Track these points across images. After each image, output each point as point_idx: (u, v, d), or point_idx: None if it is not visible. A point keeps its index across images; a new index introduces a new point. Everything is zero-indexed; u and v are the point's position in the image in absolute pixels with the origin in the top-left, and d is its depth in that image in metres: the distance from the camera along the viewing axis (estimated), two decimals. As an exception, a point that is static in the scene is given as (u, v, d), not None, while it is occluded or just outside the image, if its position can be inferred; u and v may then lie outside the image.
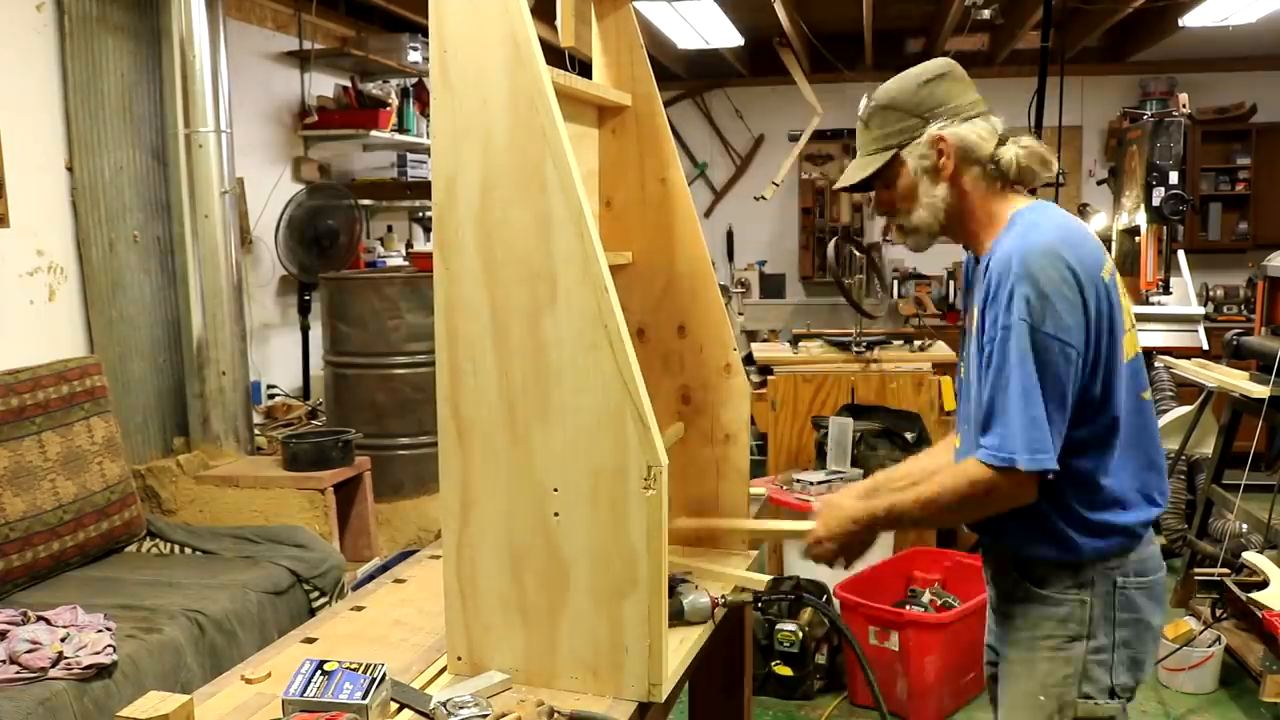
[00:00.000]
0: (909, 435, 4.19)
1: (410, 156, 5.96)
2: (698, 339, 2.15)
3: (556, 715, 1.53)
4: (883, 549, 3.97)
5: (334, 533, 3.81)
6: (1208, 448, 4.28)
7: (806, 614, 3.61)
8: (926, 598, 3.68)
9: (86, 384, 3.31)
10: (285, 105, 5.18)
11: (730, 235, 8.26)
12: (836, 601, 3.62)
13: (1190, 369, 4.26)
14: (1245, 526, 4.07)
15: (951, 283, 7.68)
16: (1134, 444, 1.72)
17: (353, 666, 1.55)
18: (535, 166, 1.56)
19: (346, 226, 4.89)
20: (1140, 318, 5.08)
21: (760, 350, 5.15)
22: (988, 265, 1.68)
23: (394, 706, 1.59)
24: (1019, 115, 4.09)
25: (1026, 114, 4.03)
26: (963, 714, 3.48)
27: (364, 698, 1.49)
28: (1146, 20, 6.53)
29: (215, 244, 3.96)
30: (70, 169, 3.72)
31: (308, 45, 5.19)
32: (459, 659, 1.71)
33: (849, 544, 1.83)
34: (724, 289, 6.71)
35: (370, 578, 3.28)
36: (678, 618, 1.81)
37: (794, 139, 7.63)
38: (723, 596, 1.87)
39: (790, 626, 3.54)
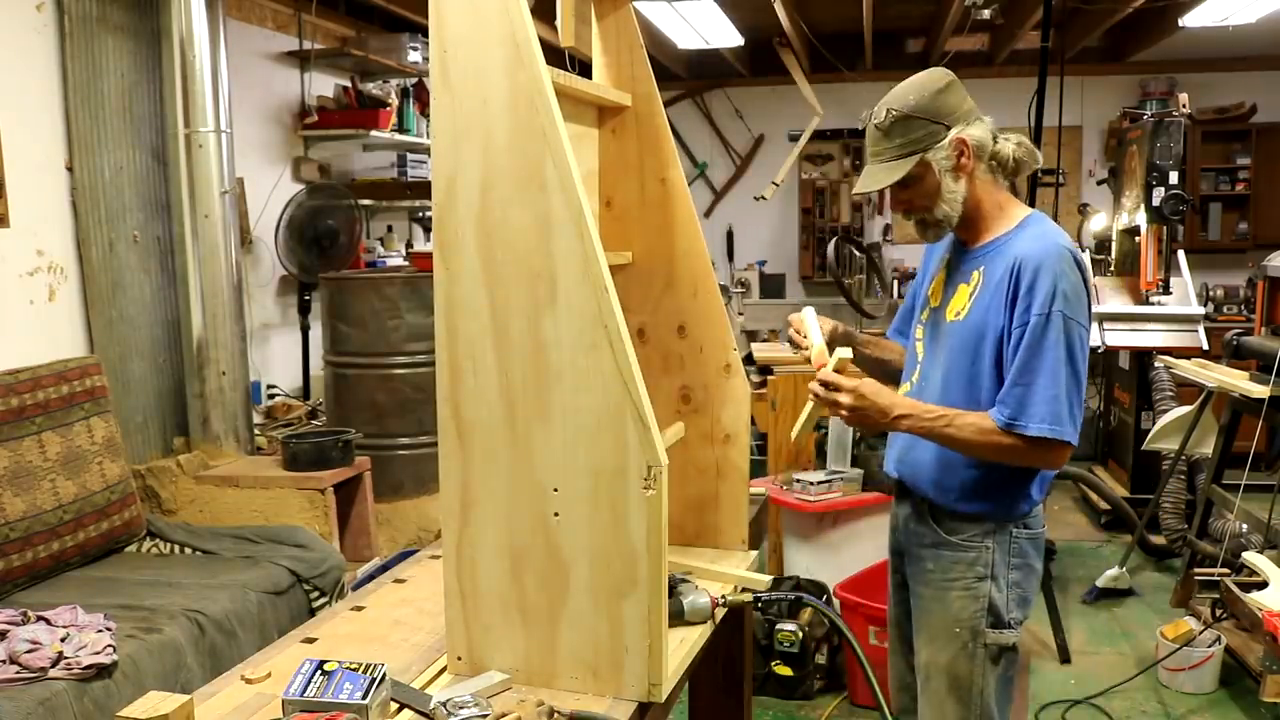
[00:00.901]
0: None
1: (410, 156, 5.96)
2: (698, 339, 2.15)
3: (556, 715, 1.53)
4: (883, 549, 3.97)
5: (334, 533, 3.81)
6: (1208, 448, 4.28)
7: (806, 614, 3.61)
8: (926, 598, 3.67)
9: (86, 384, 3.31)
10: (285, 105, 5.18)
11: (730, 235, 8.26)
12: (836, 601, 3.62)
13: (1190, 369, 4.26)
14: (1245, 526, 4.07)
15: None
16: None
17: (353, 666, 1.55)
18: (535, 166, 1.56)
19: (346, 226, 4.89)
20: (1140, 318, 5.10)
21: (760, 350, 5.14)
22: (1005, 266, 1.88)
23: (394, 706, 1.59)
24: (1019, 115, 4.08)
25: (1026, 114, 4.02)
26: (963, 714, 3.47)
27: (364, 698, 1.49)
28: (1146, 20, 6.53)
29: (215, 244, 3.96)
30: (70, 169, 3.72)
31: (308, 45, 5.19)
32: (459, 659, 1.71)
33: (864, 418, 1.94)
34: (724, 289, 6.71)
35: (370, 578, 3.28)
36: (678, 618, 1.82)
37: (794, 139, 7.63)
38: (723, 596, 1.88)
39: (790, 626, 3.54)
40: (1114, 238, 5.58)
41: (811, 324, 2.08)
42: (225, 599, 2.94)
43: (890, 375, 2.24)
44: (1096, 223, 5.92)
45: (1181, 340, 5.01)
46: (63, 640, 2.49)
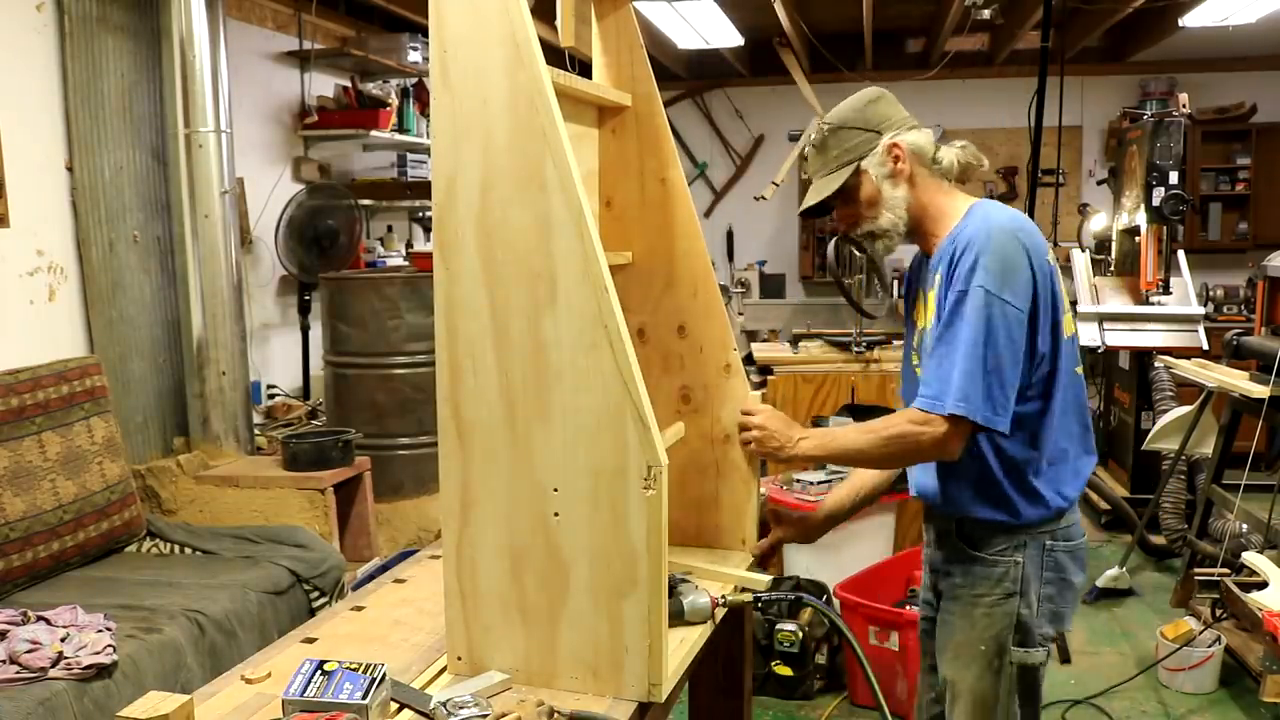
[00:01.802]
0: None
1: (410, 156, 5.96)
2: (698, 339, 2.15)
3: (556, 715, 1.53)
4: (883, 549, 3.97)
5: (334, 533, 3.81)
6: (1208, 448, 4.28)
7: (806, 614, 3.61)
8: (926, 598, 3.67)
9: (86, 384, 3.31)
10: (285, 105, 5.18)
11: (730, 235, 8.26)
12: (836, 601, 3.62)
13: (1190, 369, 4.26)
14: (1245, 526, 4.07)
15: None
16: (1070, 414, 1.91)
17: (353, 666, 1.55)
18: (535, 166, 1.56)
19: (346, 226, 4.89)
20: (1140, 318, 5.10)
21: (760, 350, 5.14)
22: (947, 254, 1.84)
23: (394, 706, 1.59)
24: (1019, 115, 4.09)
25: (1026, 114, 4.02)
26: (963, 714, 3.48)
27: (364, 698, 1.49)
28: (1146, 20, 6.53)
29: (215, 244, 3.96)
30: (70, 169, 3.72)
31: (308, 45, 5.19)
32: (459, 659, 1.71)
33: (772, 443, 1.99)
34: (724, 289, 6.71)
35: (370, 578, 3.28)
36: (677, 618, 1.82)
37: (794, 139, 7.63)
38: (723, 596, 1.87)
39: (790, 626, 3.54)
40: (1114, 238, 5.57)
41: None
42: (225, 599, 2.94)
43: (888, 488, 2.26)
44: (1096, 223, 5.92)
45: (1181, 340, 5.01)
46: (63, 640, 2.49)
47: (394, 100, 5.59)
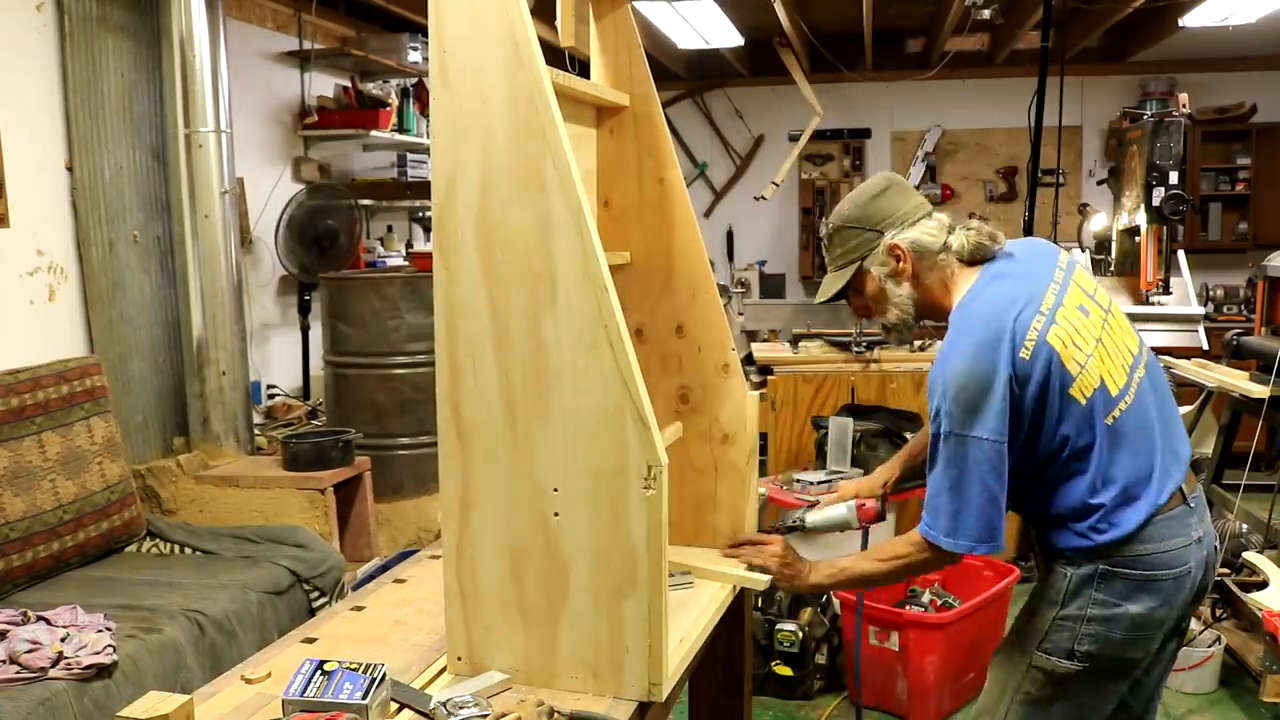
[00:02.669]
0: (909, 435, 4.18)
1: (410, 156, 5.96)
2: (696, 339, 2.15)
3: (556, 715, 1.53)
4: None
5: (334, 533, 3.81)
6: (1208, 448, 4.28)
7: (806, 614, 3.61)
8: (926, 598, 3.68)
9: (86, 384, 3.31)
10: (285, 105, 5.18)
11: (730, 235, 8.26)
12: (836, 601, 3.63)
13: (1190, 369, 4.26)
14: (1245, 526, 4.06)
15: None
16: (1117, 454, 1.87)
17: (353, 666, 1.55)
18: (535, 166, 1.56)
19: (346, 226, 4.89)
20: (1140, 318, 5.09)
21: (760, 350, 5.15)
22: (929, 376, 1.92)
23: (394, 706, 1.59)
24: (1019, 115, 4.09)
25: (1026, 114, 4.02)
26: (962, 714, 3.48)
27: (364, 698, 1.49)
28: (1146, 20, 6.53)
29: (215, 244, 3.96)
30: (70, 169, 3.72)
31: (308, 45, 5.19)
32: (459, 659, 1.71)
33: (787, 570, 2.08)
34: (724, 289, 6.72)
35: (370, 578, 3.28)
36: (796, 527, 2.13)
37: (794, 139, 7.63)
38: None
39: (790, 626, 3.54)
40: (1114, 238, 5.57)
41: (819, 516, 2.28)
42: (225, 599, 2.94)
43: None
44: (1096, 223, 5.91)
45: (1181, 340, 5.00)
46: (63, 640, 2.49)
47: (394, 100, 5.58)
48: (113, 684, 2.46)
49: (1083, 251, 5.60)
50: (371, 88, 5.50)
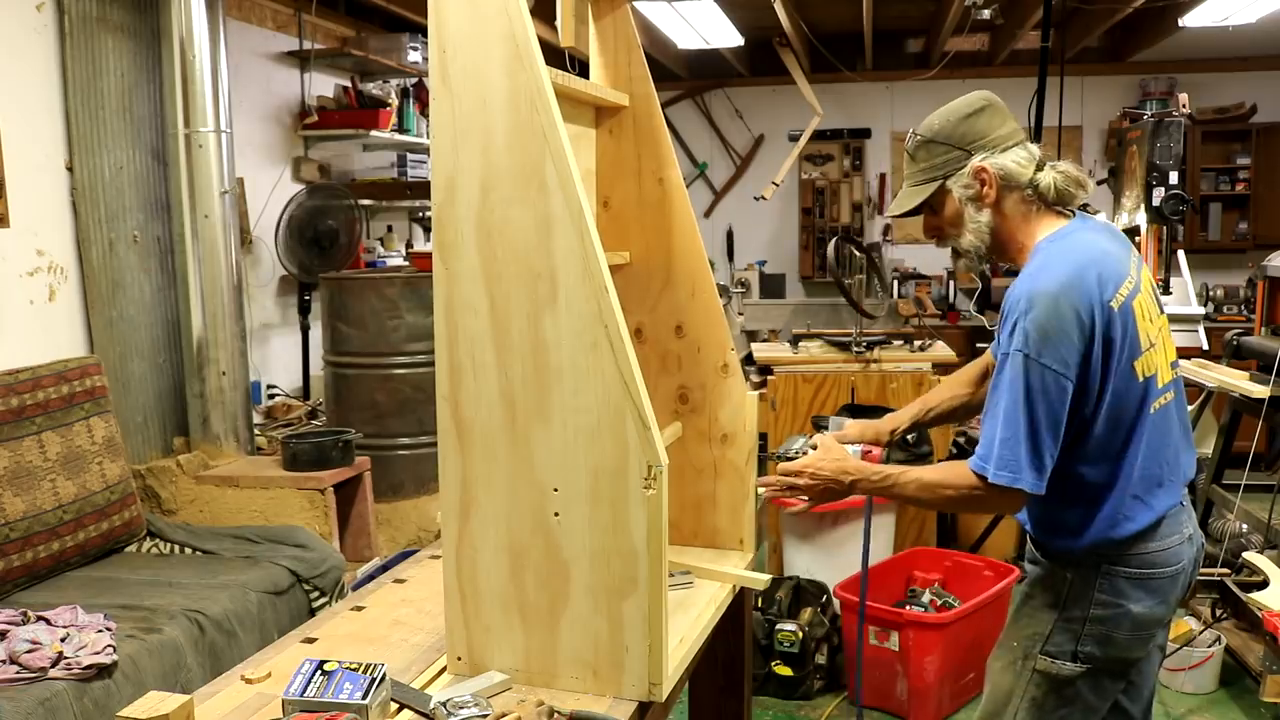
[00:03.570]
0: (909, 435, 4.18)
1: (410, 156, 5.96)
2: (695, 339, 2.15)
3: (556, 715, 1.53)
4: (883, 549, 3.97)
5: (334, 533, 3.82)
6: (1208, 448, 4.28)
7: (806, 614, 3.61)
8: (926, 598, 3.68)
9: (86, 384, 3.31)
10: (285, 105, 5.18)
11: (730, 235, 8.26)
12: (836, 601, 3.62)
13: (1190, 369, 4.26)
14: (1245, 526, 4.06)
15: (952, 282, 7.68)
16: (1145, 452, 1.84)
17: (353, 666, 1.55)
18: (535, 166, 1.56)
19: (346, 226, 4.89)
20: (1140, 318, 5.09)
21: (760, 350, 5.14)
22: (1007, 299, 1.81)
23: (394, 706, 1.59)
24: (1019, 115, 4.08)
25: (1027, 114, 4.02)
26: (963, 714, 3.48)
27: (364, 698, 1.49)
28: (1146, 20, 6.53)
29: (215, 244, 3.96)
30: (70, 169, 3.72)
31: (308, 45, 5.19)
32: (459, 659, 1.71)
33: (826, 492, 1.97)
34: (724, 289, 6.73)
35: (370, 578, 3.28)
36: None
37: (794, 139, 7.63)
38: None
39: (790, 626, 3.54)
40: (1114, 238, 5.57)
41: (800, 443, 2.11)
42: (225, 599, 2.94)
43: (970, 411, 2.25)
44: (1096, 223, 5.91)
45: (1181, 340, 4.99)
46: (63, 640, 2.49)
47: (394, 100, 5.59)
48: (113, 684, 2.46)
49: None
50: (371, 88, 5.50)
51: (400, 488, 4.43)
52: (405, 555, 3.55)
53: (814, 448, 2.04)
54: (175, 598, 2.90)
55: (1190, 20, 5.74)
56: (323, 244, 4.86)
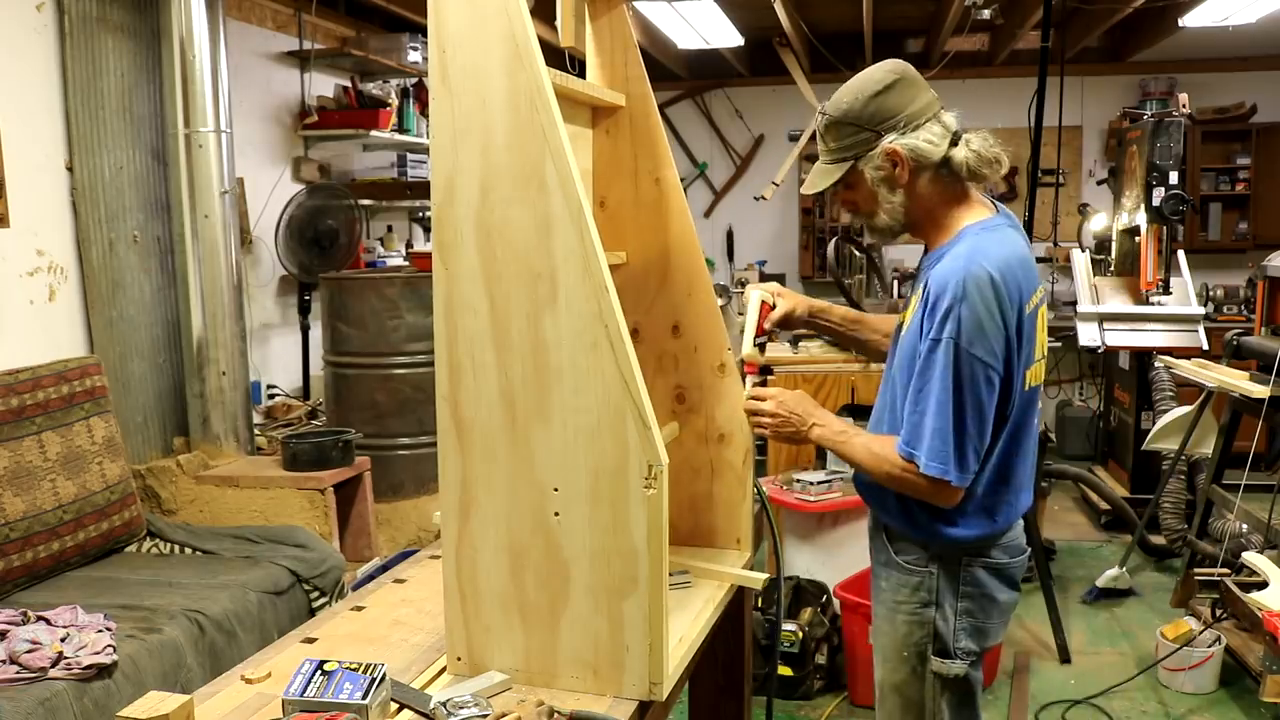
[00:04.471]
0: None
1: (410, 156, 5.96)
2: (692, 339, 2.15)
3: (556, 715, 1.53)
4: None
5: (334, 533, 3.82)
6: (1208, 448, 4.28)
7: (806, 614, 3.61)
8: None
9: (86, 384, 3.31)
10: (285, 105, 5.18)
11: (730, 235, 8.26)
12: (836, 601, 3.62)
13: (1190, 369, 4.26)
14: (1245, 526, 4.06)
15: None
16: (1014, 464, 1.89)
17: (353, 666, 1.55)
18: (535, 166, 1.56)
19: (346, 226, 4.89)
20: (1140, 318, 5.10)
21: (760, 350, 5.14)
22: (930, 279, 1.79)
23: (394, 706, 1.59)
24: (1019, 115, 4.09)
25: (1026, 114, 4.02)
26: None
27: (364, 698, 1.49)
28: (1146, 20, 6.53)
29: (215, 244, 3.96)
30: (70, 169, 3.73)
31: (308, 45, 5.19)
32: (459, 659, 1.71)
33: (785, 426, 1.96)
34: (724, 289, 6.72)
35: (370, 578, 3.28)
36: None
37: (794, 139, 7.63)
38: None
39: (790, 626, 3.54)
40: (1114, 238, 5.57)
41: (750, 316, 2.04)
42: (225, 599, 2.94)
43: (874, 354, 2.23)
44: (1096, 223, 5.92)
45: (1181, 340, 5.00)
46: (63, 640, 2.49)
47: (394, 100, 5.59)
48: (113, 684, 2.46)
49: (1083, 251, 5.60)
50: (371, 88, 5.50)
51: (400, 488, 4.43)
52: (405, 555, 3.55)
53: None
54: (175, 598, 2.90)
55: (1190, 20, 5.74)
56: (323, 244, 4.86)
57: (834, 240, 4.96)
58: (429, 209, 2.05)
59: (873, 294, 5.94)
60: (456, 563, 1.68)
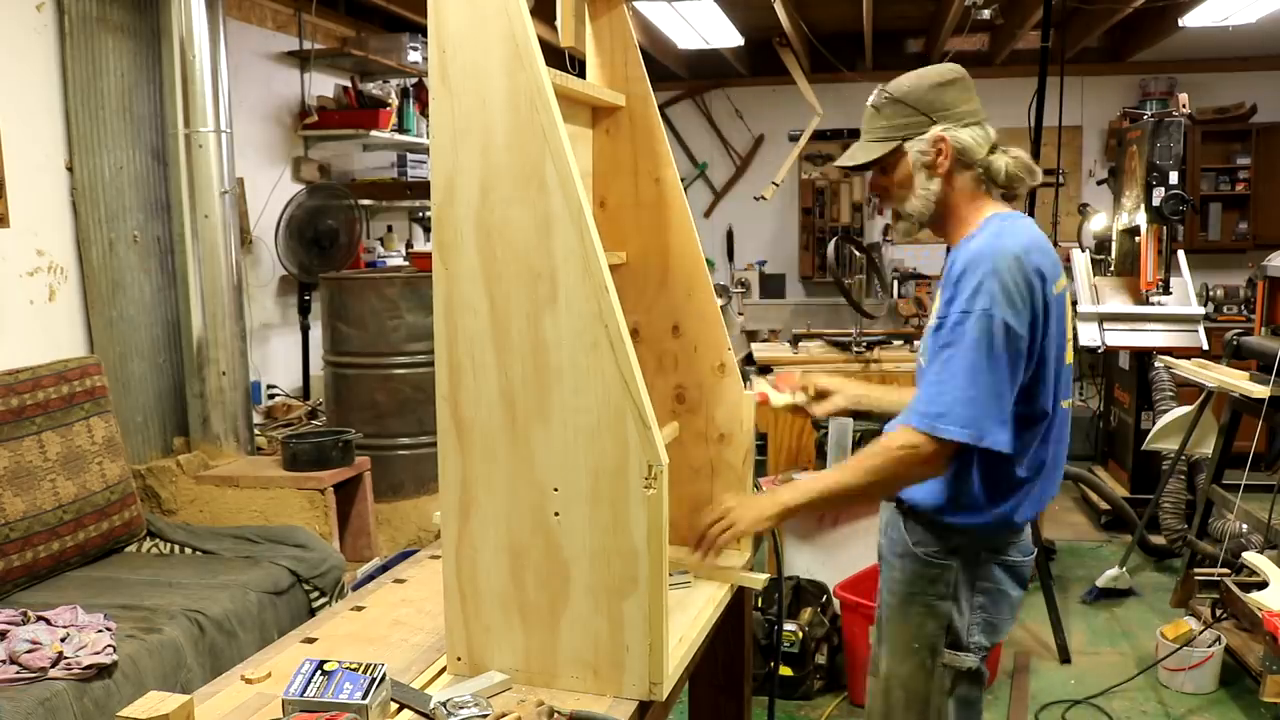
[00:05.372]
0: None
1: (410, 156, 5.96)
2: (692, 339, 2.15)
3: (556, 715, 1.53)
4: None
5: (334, 533, 3.82)
6: (1208, 448, 4.28)
7: (806, 614, 3.61)
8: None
9: (86, 384, 3.31)
10: (285, 105, 5.18)
11: (730, 235, 8.26)
12: (836, 601, 3.62)
13: (1190, 369, 4.26)
14: (1245, 526, 4.06)
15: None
16: (1057, 442, 1.91)
17: (353, 666, 1.55)
18: (535, 166, 1.56)
19: (346, 226, 4.89)
20: (1140, 318, 5.10)
21: (760, 350, 5.14)
22: (952, 265, 1.83)
23: (394, 706, 1.59)
24: (1019, 115, 4.09)
25: (1026, 114, 4.02)
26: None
27: (364, 698, 1.49)
28: (1146, 20, 6.53)
29: (215, 244, 3.96)
30: (70, 169, 3.73)
31: (308, 45, 5.19)
32: (459, 659, 1.71)
33: (751, 513, 1.91)
34: (724, 289, 6.72)
35: (370, 578, 3.28)
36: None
37: (794, 139, 7.63)
38: None
39: (790, 626, 3.54)
40: (1114, 238, 5.57)
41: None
42: (225, 599, 2.94)
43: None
44: (1096, 223, 5.92)
45: (1181, 340, 5.00)
46: (63, 640, 2.49)
47: (394, 100, 5.59)
48: (113, 684, 2.46)
49: (1083, 251, 5.60)
50: (371, 88, 5.50)
51: (400, 488, 4.43)
52: (405, 555, 3.55)
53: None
54: (175, 598, 2.90)
55: (1190, 20, 5.74)
56: (323, 244, 4.86)
57: (834, 240, 4.96)
58: (429, 209, 2.05)
59: (873, 294, 5.94)
60: (456, 563, 1.68)
